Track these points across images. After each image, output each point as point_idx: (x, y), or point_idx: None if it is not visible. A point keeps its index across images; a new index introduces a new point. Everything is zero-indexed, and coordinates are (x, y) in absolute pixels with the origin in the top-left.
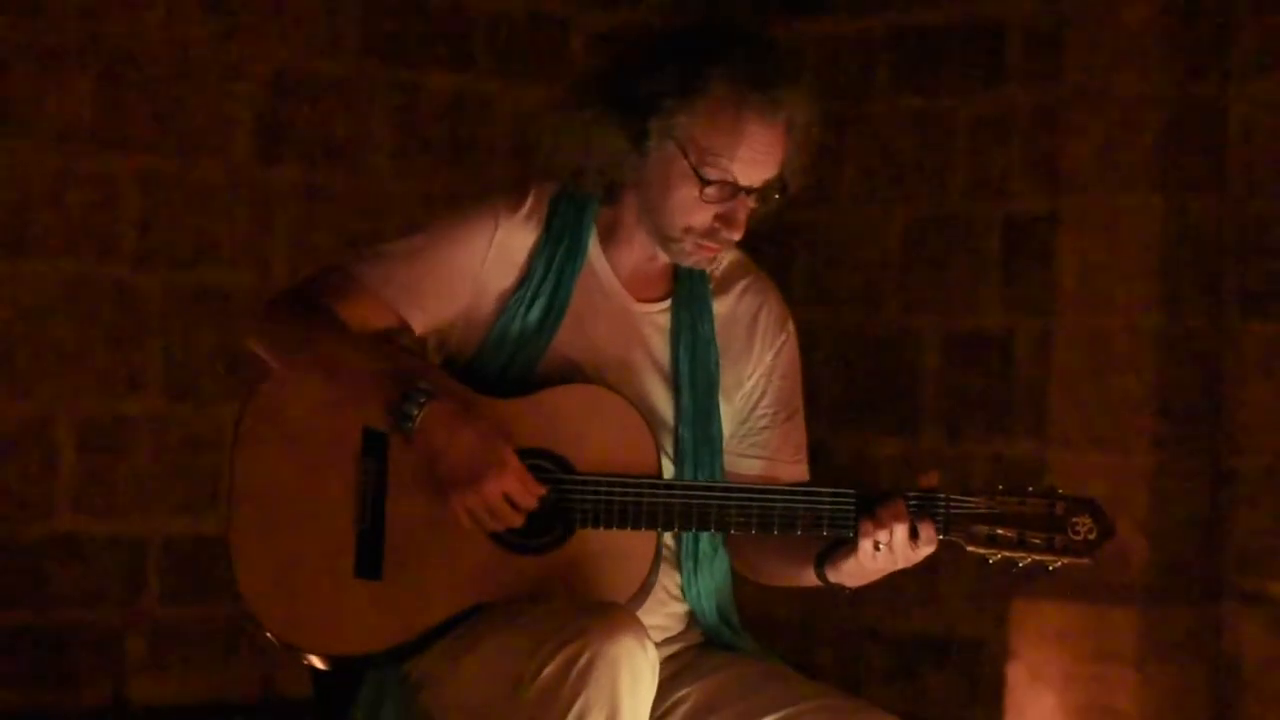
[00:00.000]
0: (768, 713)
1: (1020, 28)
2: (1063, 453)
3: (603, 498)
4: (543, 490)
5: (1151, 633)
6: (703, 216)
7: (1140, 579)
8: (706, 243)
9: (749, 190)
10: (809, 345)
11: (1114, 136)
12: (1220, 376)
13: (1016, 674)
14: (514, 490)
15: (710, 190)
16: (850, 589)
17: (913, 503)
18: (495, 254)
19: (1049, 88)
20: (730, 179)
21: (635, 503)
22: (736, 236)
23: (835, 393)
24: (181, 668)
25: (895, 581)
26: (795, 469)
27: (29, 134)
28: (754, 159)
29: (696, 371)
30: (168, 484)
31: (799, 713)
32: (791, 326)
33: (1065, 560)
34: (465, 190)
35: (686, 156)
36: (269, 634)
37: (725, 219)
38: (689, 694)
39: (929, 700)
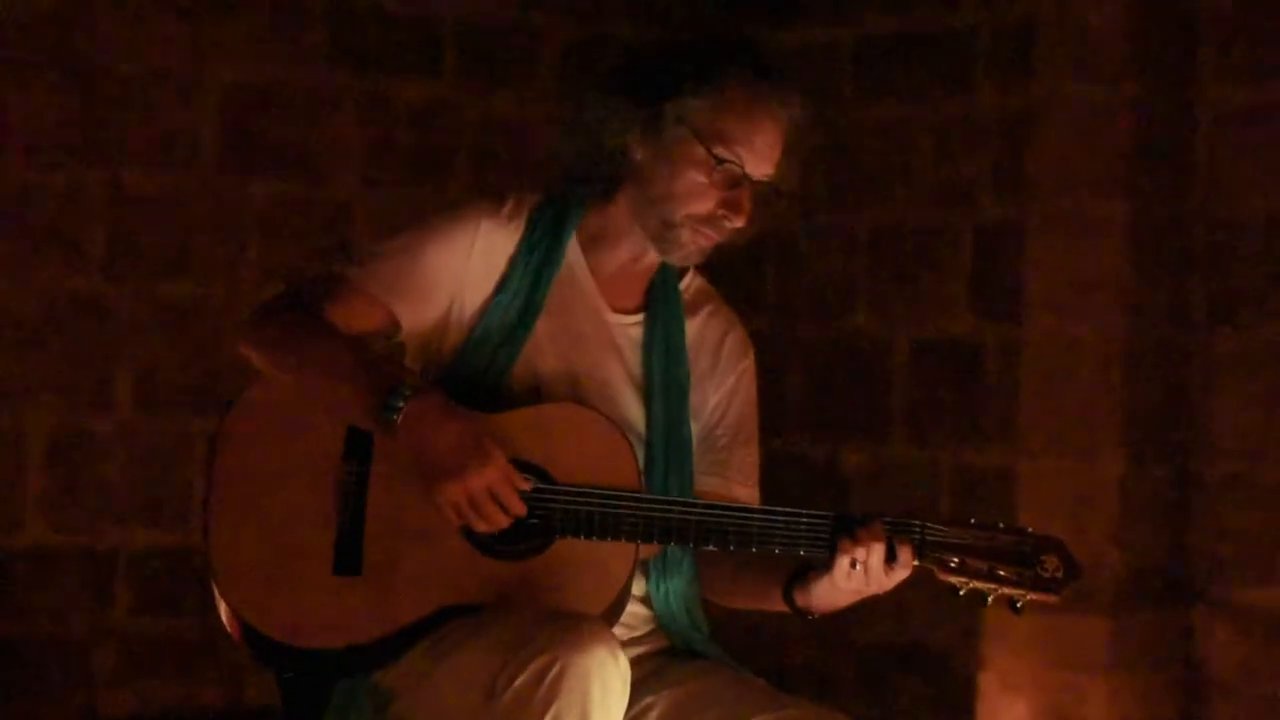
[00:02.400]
0: None
1: (987, 36)
2: (1031, 460)
3: (583, 508)
4: (528, 486)
5: (1121, 640)
6: (707, 203)
7: (1109, 586)
8: (705, 229)
9: (753, 181)
10: (778, 353)
11: (1081, 144)
12: (1188, 384)
13: (987, 682)
14: (499, 485)
15: (719, 175)
16: (817, 614)
17: (888, 526)
18: (478, 256)
19: (1016, 96)
20: (739, 164)
21: (615, 514)
22: (739, 223)
23: (804, 401)
24: (150, 680)
25: None
26: (749, 492)
27: None
28: (762, 149)
29: (669, 382)
30: (137, 497)
31: None
32: (753, 356)
33: (1033, 596)
34: (435, 201)
35: (699, 140)
36: (241, 631)
37: (730, 204)
38: (655, 703)
39: (899, 708)
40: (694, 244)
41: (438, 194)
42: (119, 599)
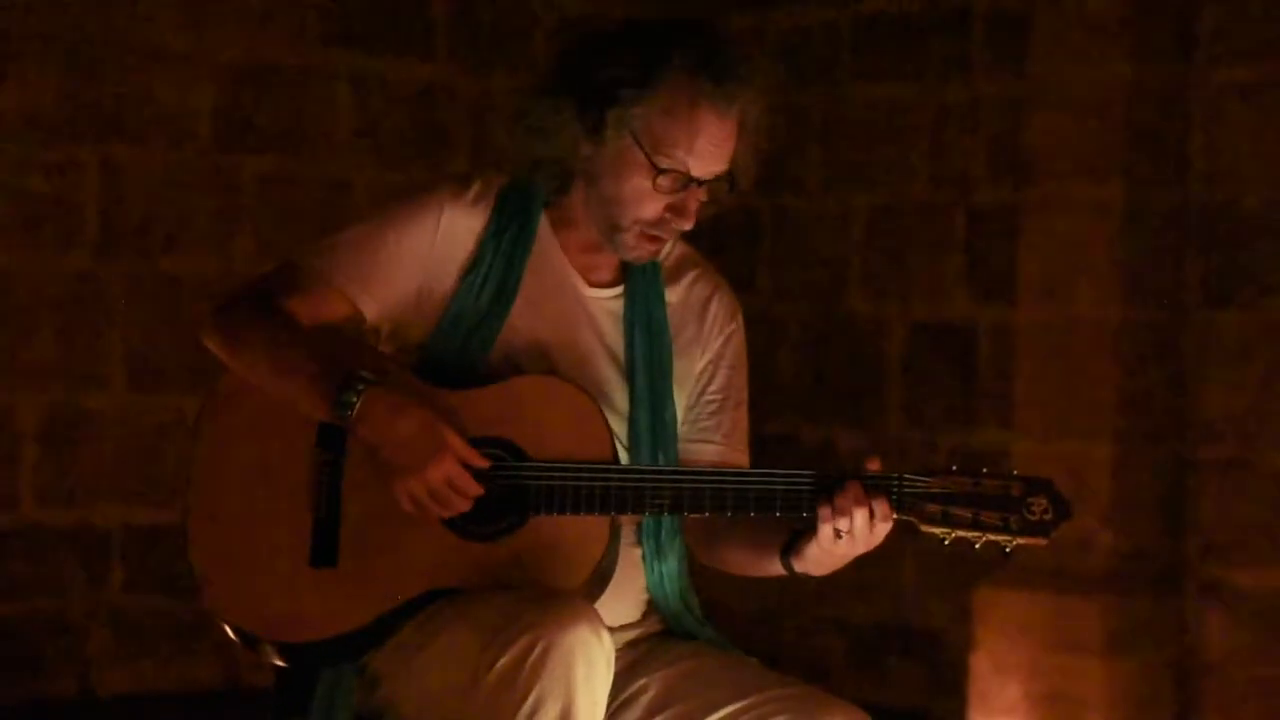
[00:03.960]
0: (730, 703)
1: (984, 17)
2: (1026, 442)
3: (556, 483)
4: (486, 464)
5: (1115, 622)
6: (653, 207)
7: (1103, 569)
8: (654, 232)
9: (700, 182)
10: (774, 335)
11: (1077, 125)
12: (1183, 366)
13: (980, 664)
14: (456, 474)
15: (663, 181)
16: (815, 576)
17: (867, 484)
18: (443, 238)
19: (1012, 77)
20: (683, 170)
21: (588, 487)
22: (686, 226)
23: (800, 382)
24: (145, 657)
25: (859, 571)
26: (742, 456)
27: None
28: (707, 151)
29: (651, 357)
30: (130, 474)
31: (760, 702)
32: (741, 319)
33: (1021, 540)
34: (427, 180)
35: (641, 147)
36: (226, 625)
37: (676, 209)
38: (649, 684)
39: (893, 690)
40: (642, 247)
41: (433, 173)
42: (113, 577)
